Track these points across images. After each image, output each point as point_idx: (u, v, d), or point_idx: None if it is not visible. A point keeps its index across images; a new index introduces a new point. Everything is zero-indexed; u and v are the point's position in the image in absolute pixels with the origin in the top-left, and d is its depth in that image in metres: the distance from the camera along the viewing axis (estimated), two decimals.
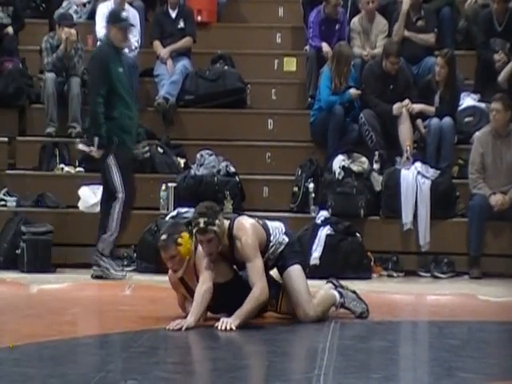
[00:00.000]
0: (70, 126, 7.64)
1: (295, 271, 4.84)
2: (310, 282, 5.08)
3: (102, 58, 6.38)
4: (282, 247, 4.83)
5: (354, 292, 5.30)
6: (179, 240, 4.76)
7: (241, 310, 4.47)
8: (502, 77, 8.03)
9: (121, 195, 6.14)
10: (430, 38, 8.28)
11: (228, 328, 4.46)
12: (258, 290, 4.46)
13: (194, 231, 4.60)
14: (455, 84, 7.79)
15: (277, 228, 4.90)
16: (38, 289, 6.16)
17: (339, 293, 5.05)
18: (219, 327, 4.50)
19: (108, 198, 6.21)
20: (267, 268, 4.87)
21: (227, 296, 4.72)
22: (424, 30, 8.28)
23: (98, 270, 6.21)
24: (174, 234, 4.81)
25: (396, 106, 7.47)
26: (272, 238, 4.71)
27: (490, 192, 7.12)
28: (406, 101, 7.48)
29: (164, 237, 4.83)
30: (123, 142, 6.31)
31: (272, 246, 4.75)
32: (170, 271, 4.90)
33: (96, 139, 6.36)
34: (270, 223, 4.86)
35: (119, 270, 6.30)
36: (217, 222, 4.55)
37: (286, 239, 4.88)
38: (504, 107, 7.23)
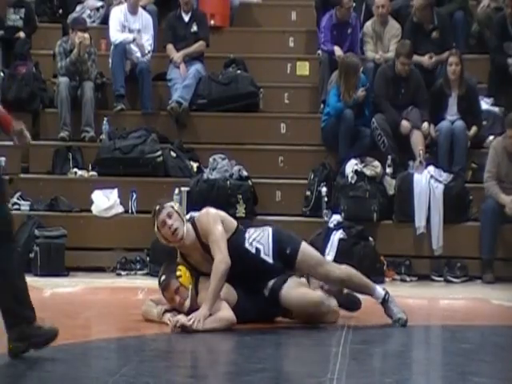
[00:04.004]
0: (83, 130, 7.71)
1: (305, 249, 5.02)
2: None
3: None
4: (269, 232, 5.02)
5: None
6: (178, 273, 5.04)
7: (208, 293, 4.71)
8: None
9: None
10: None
11: (198, 324, 4.71)
12: (217, 263, 4.62)
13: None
14: (467, 82, 7.87)
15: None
16: (51, 292, 6.29)
17: (385, 290, 5.15)
18: (193, 326, 4.73)
19: None
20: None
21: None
22: (439, 43, 8.24)
23: None
24: (171, 270, 5.07)
25: (404, 125, 7.55)
26: (241, 225, 5.01)
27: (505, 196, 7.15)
28: (425, 124, 7.49)
29: (164, 277, 5.09)
30: None
31: (249, 232, 4.97)
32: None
33: None
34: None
35: None
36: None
37: (269, 227, 5.09)
38: None
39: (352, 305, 5.40)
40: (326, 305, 5.06)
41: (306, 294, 5.05)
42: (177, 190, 7.36)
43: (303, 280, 5.31)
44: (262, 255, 5.02)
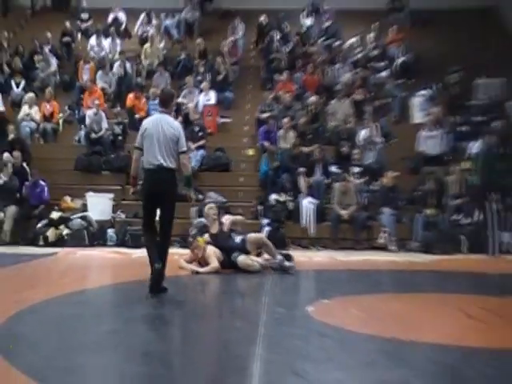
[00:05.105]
0: None
1: (251, 236, 8.31)
2: None
3: None
4: (242, 236, 8.34)
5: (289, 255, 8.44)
6: (198, 238, 8.08)
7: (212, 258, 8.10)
8: None
9: None
10: None
11: (202, 270, 7.94)
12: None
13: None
14: None
15: None
16: None
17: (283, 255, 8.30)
18: (200, 271, 7.86)
19: None
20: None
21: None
22: None
23: None
24: (196, 235, 8.22)
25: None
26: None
27: None
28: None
29: (191, 239, 8.18)
30: None
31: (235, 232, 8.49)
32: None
33: None
34: None
35: None
36: None
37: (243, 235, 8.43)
38: None
39: (287, 258, 8.29)
40: (255, 266, 8.00)
41: (246, 260, 8.09)
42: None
43: (250, 256, 8.14)
44: (237, 241, 8.25)
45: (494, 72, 14.90)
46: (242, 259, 8.05)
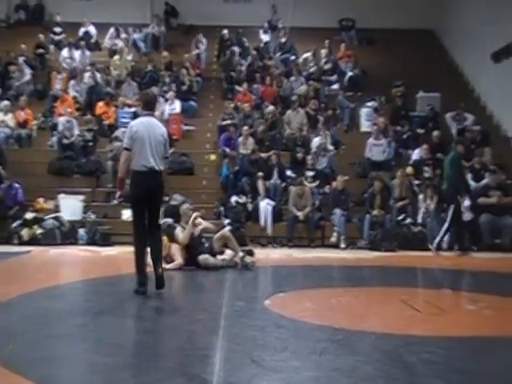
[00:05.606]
0: None
1: (216, 235, 9.02)
2: None
3: None
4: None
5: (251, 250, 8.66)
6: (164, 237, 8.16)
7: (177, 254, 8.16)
8: None
9: None
10: None
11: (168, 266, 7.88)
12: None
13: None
14: None
15: None
16: None
17: (244, 252, 8.44)
18: (166, 267, 7.20)
19: None
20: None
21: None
22: None
23: None
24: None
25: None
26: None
27: None
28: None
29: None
30: None
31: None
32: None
33: None
34: None
35: None
36: None
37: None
38: None
39: (249, 253, 8.48)
40: (216, 264, 8.07)
41: (207, 259, 8.15)
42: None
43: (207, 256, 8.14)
44: (206, 245, 8.29)
45: (433, 87, 15.26)
46: (202, 258, 8.07)
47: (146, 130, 6.24)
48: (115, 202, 11.91)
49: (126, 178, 6.46)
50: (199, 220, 8.35)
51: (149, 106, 6.49)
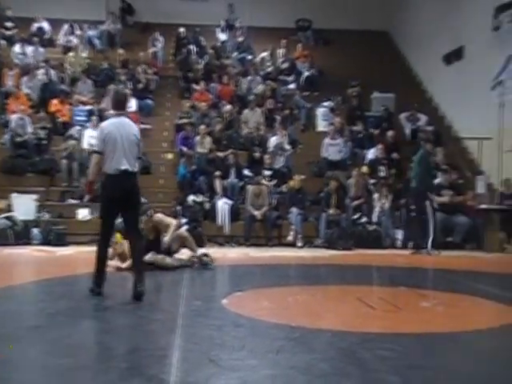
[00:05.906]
0: None
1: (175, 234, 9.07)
2: None
3: None
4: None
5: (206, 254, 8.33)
6: (118, 235, 7.84)
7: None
8: None
9: None
10: None
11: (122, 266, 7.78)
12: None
13: None
14: None
15: None
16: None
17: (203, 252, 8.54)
18: (122, 266, 7.67)
19: None
20: None
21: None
22: None
23: None
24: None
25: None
26: None
27: None
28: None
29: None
30: None
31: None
32: None
33: None
34: None
35: None
36: None
37: None
38: None
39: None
40: (173, 264, 7.99)
41: (164, 259, 8.06)
42: None
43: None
44: (164, 246, 8.13)
45: (387, 87, 15.54)
46: (159, 258, 7.97)
47: (117, 131, 6.03)
48: (71, 201, 11.84)
49: (96, 181, 6.36)
50: (159, 215, 8.19)
51: (119, 105, 6.25)
